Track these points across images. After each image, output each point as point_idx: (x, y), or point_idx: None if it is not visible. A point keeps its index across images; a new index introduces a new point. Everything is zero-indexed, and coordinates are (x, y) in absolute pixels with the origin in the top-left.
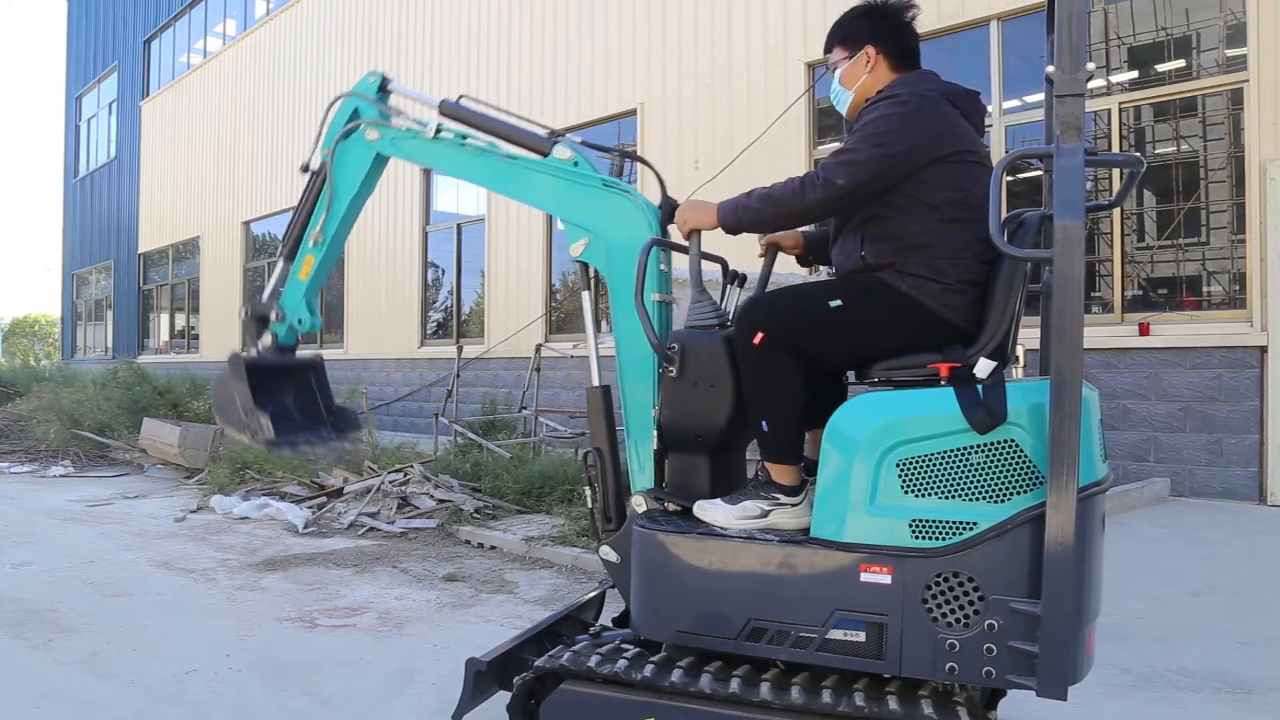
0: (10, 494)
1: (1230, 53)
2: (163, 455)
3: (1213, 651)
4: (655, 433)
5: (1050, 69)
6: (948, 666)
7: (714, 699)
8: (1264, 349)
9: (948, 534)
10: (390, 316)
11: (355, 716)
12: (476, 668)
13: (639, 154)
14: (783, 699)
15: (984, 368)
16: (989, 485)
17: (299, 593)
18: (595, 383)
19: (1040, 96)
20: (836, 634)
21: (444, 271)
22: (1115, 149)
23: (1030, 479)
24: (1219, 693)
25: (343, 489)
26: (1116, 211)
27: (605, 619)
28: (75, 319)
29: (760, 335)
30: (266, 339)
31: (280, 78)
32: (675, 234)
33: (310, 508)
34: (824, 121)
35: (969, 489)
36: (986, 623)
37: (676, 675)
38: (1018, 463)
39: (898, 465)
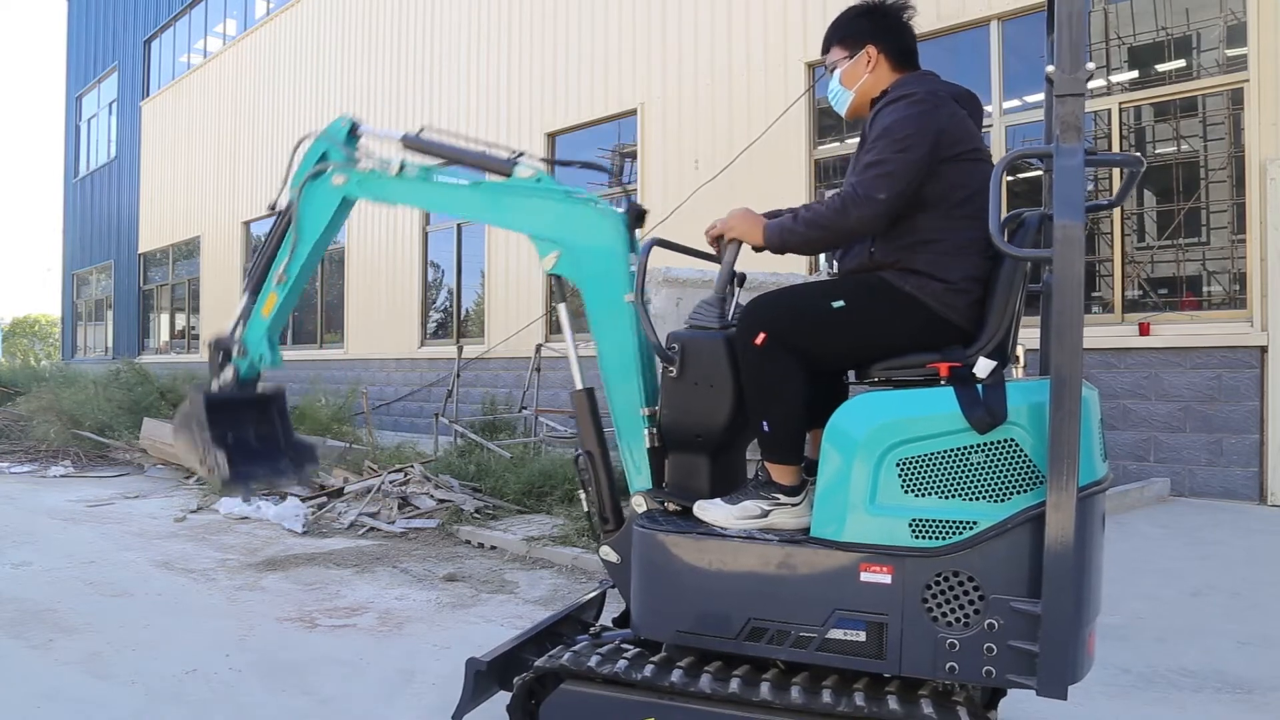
0: (10, 494)
1: (1230, 53)
2: (163, 455)
3: (1213, 651)
4: (648, 431)
5: (1050, 69)
6: (948, 666)
7: (714, 699)
8: (1264, 349)
9: (948, 533)
10: (390, 316)
11: (355, 716)
12: (477, 668)
13: (600, 163)
14: (783, 699)
15: (984, 367)
16: (989, 485)
17: (299, 593)
18: (578, 386)
19: (1040, 96)
20: (836, 634)
21: (444, 271)
22: (1115, 149)
23: (1030, 478)
24: (1219, 693)
25: (343, 489)
26: (1117, 211)
27: (605, 619)
28: (75, 319)
29: (762, 336)
30: (228, 373)
31: (280, 78)
32: (686, 236)
33: (310, 508)
34: (824, 122)
35: (969, 488)
36: (986, 622)
37: (676, 675)
38: (1018, 462)
39: (898, 465)
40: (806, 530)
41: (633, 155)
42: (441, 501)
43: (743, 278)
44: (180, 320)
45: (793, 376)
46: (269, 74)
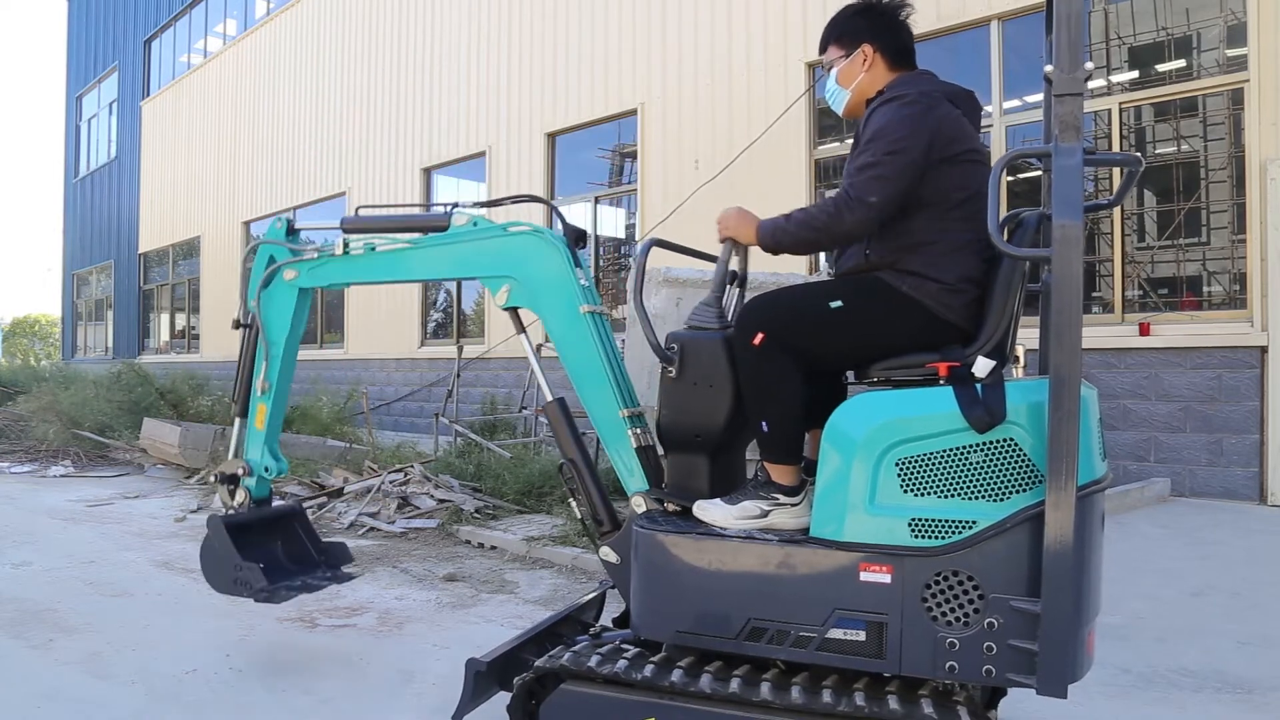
0: (10, 494)
1: (1230, 53)
2: (163, 455)
3: (1213, 651)
4: (632, 432)
5: (1049, 68)
6: (948, 665)
7: (714, 699)
8: (1264, 349)
9: (947, 533)
10: (390, 316)
11: (355, 716)
12: (477, 668)
13: (534, 195)
14: (783, 699)
15: (983, 367)
16: (988, 484)
17: None
18: (548, 398)
19: (1040, 96)
20: (836, 633)
21: None
22: (1115, 149)
23: (1029, 478)
24: (1219, 693)
25: (343, 489)
26: (1116, 211)
27: (605, 619)
28: (75, 319)
29: (760, 336)
30: (240, 495)
31: (281, 78)
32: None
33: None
34: (824, 122)
35: (968, 488)
36: (986, 621)
37: (676, 675)
38: (1017, 461)
39: (897, 465)
40: (806, 530)
41: (633, 155)
42: (441, 501)
43: (744, 279)
44: (180, 320)
45: (791, 377)
46: (269, 74)
